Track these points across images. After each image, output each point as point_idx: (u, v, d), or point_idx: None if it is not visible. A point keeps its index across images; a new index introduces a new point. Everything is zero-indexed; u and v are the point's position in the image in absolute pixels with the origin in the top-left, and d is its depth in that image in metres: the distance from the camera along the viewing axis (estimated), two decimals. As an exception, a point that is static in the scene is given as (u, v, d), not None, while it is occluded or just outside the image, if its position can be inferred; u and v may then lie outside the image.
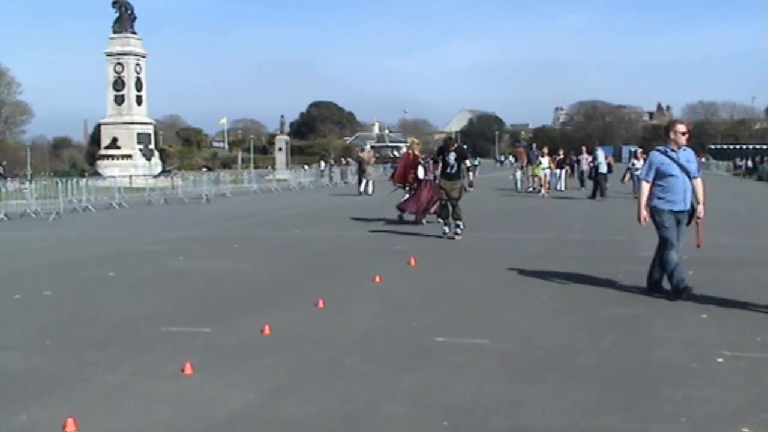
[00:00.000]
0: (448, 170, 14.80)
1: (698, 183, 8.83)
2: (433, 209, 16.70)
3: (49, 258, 13.42)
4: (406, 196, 18.40)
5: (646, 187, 8.83)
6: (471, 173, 15.82)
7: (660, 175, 8.67)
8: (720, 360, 6.21)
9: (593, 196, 27.57)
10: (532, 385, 5.65)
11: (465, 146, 21.03)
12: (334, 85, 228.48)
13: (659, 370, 5.97)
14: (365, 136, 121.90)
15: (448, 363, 6.25)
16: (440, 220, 15.05)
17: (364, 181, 32.04)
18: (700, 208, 8.80)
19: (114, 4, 49.30)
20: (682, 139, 8.80)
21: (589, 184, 29.84)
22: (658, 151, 8.87)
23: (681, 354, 6.42)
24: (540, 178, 29.94)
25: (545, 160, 30.26)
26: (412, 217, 17.68)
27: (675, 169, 8.61)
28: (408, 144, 19.44)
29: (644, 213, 8.86)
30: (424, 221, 17.39)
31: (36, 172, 65.01)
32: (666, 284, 8.81)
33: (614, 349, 6.62)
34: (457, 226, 14.76)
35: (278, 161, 60.46)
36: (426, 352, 6.60)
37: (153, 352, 6.69)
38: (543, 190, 29.41)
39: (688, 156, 8.82)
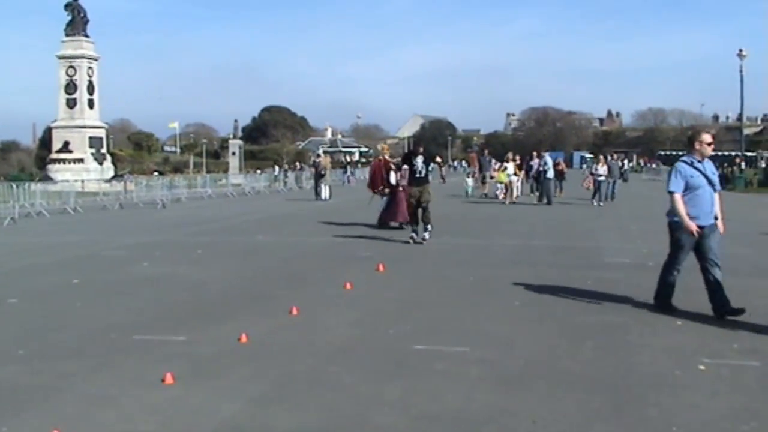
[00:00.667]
0: (417, 175, 14.90)
1: (718, 197, 8.50)
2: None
3: (10, 265, 13.11)
4: (383, 204, 18.33)
5: (679, 198, 8.22)
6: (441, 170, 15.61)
7: (688, 188, 8.22)
8: (702, 367, 6.30)
9: (540, 200, 28.28)
10: (520, 393, 5.67)
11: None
12: (286, 90, 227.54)
13: (643, 377, 6.03)
14: (318, 141, 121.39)
15: (431, 371, 6.25)
16: (407, 226, 15.33)
17: (321, 186, 31.93)
18: (720, 224, 8.50)
19: (66, 6, 48.47)
20: (708, 150, 8.35)
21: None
22: (685, 162, 8.35)
23: (662, 361, 6.50)
24: (504, 185, 29.15)
25: (510, 166, 29.43)
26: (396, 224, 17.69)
27: (703, 182, 8.23)
28: (379, 149, 19.33)
29: (692, 224, 8.18)
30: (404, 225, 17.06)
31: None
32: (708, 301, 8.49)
33: (595, 356, 6.69)
34: (426, 230, 14.92)
35: (232, 166, 59.82)
36: (407, 360, 6.59)
37: (130, 361, 6.57)
38: (502, 196, 28.99)
39: (712, 167, 8.44)
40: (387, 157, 19.09)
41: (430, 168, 15.43)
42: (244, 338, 7.21)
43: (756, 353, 6.70)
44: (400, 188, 16.83)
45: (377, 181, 18.55)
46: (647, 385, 5.83)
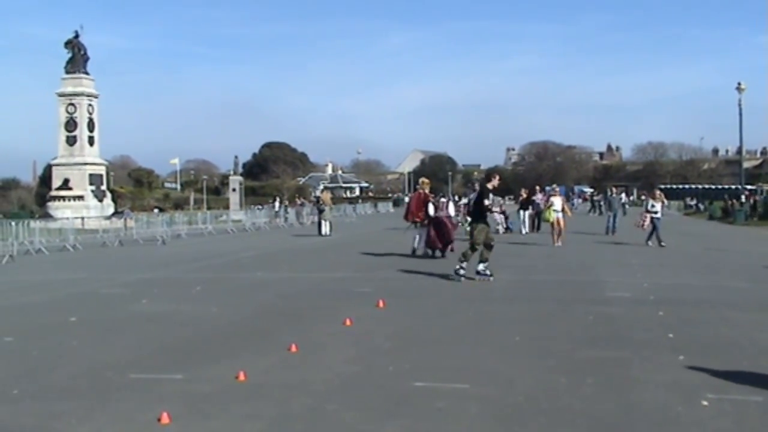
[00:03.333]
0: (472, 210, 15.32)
1: None
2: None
3: (7, 302, 13.03)
4: (417, 236, 20.25)
5: None
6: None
7: None
8: (705, 403, 6.22)
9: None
10: (520, 430, 5.59)
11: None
12: (286, 126, 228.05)
13: (645, 414, 5.95)
14: (318, 176, 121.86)
15: (431, 409, 6.17)
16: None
17: (322, 222, 31.87)
18: None
19: (67, 44, 48.74)
20: None
21: (545, 226, 29.59)
22: None
23: (665, 397, 6.42)
24: (551, 223, 24.20)
25: (558, 201, 24.68)
26: (438, 252, 19.30)
27: None
28: (419, 184, 21.37)
29: None
30: (446, 255, 19.03)
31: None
32: None
33: (596, 392, 6.60)
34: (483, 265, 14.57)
35: (232, 202, 59.90)
36: (407, 398, 6.51)
37: (125, 401, 6.49)
38: (556, 238, 23.81)
39: None
40: (427, 190, 20.31)
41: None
42: (242, 376, 7.13)
43: (759, 388, 6.61)
44: (439, 218, 18.87)
45: (416, 212, 19.87)
46: (649, 423, 5.75)
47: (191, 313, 11.33)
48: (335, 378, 7.24)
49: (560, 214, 24.14)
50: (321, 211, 32.61)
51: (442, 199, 20.11)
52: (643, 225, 23.64)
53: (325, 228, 31.42)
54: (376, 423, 5.85)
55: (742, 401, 6.27)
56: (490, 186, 14.42)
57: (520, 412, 6.06)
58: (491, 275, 14.51)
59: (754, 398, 6.32)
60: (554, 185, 28.38)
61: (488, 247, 14.49)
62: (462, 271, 14.51)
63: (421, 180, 21.73)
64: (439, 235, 19.15)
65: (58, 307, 12.10)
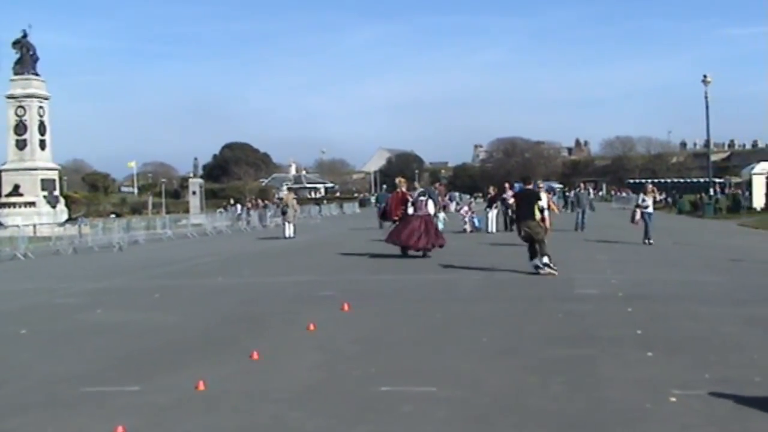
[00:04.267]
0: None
1: None
2: (423, 244, 18.92)
3: (-45, 315, 12.57)
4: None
5: None
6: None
7: None
8: (673, 399, 6.16)
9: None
10: (489, 432, 5.45)
11: (384, 186, 22.24)
12: (248, 126, 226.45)
13: (614, 412, 5.88)
14: (282, 177, 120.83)
15: (398, 413, 6.02)
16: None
17: (287, 225, 31.49)
18: None
19: (14, 44, 47.59)
20: None
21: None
22: None
23: (633, 394, 6.34)
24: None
25: (544, 197, 22.69)
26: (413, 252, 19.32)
27: None
28: (396, 182, 21.93)
29: None
30: (429, 254, 19.09)
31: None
32: None
33: (565, 391, 6.50)
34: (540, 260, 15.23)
35: (192, 205, 59.03)
36: (373, 402, 6.34)
37: (79, 415, 6.23)
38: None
39: None
40: (404, 189, 20.79)
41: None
42: (201, 386, 6.87)
43: (727, 382, 6.57)
44: (418, 217, 19.18)
45: (395, 210, 20.22)
46: (618, 420, 5.69)
47: (149, 322, 11.01)
48: (299, 385, 7.02)
49: (546, 213, 22.93)
50: (284, 213, 32.26)
51: (421, 198, 19.88)
52: (636, 221, 22.80)
53: (289, 230, 31.07)
54: (341, 430, 5.69)
55: (710, 396, 6.21)
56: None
57: (489, 414, 5.95)
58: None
59: (721, 393, 6.26)
60: (540, 182, 26.37)
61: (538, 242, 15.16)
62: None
63: (398, 179, 22.00)
64: (420, 234, 19.05)
65: (9, 319, 11.71)
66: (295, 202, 34.92)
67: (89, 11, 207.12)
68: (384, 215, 21.36)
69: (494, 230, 28.81)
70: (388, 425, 5.75)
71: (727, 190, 51.84)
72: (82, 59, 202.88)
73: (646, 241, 21.93)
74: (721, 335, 8.73)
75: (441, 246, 19.48)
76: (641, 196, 23.51)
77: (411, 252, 19.38)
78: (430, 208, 20.27)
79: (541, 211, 20.07)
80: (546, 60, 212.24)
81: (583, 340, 8.57)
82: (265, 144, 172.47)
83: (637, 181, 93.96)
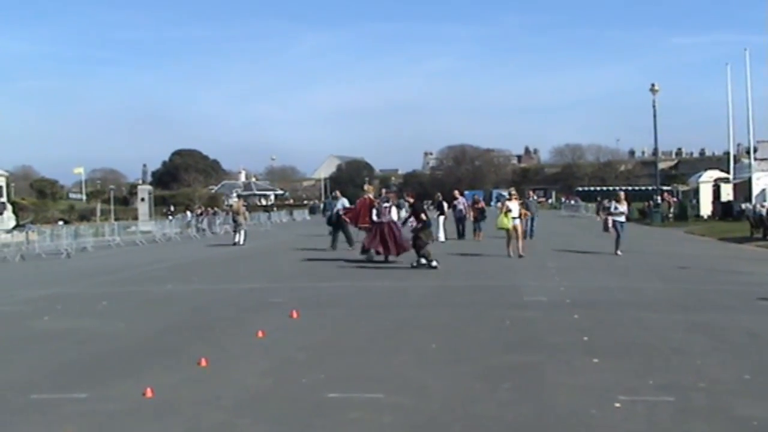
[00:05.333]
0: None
1: None
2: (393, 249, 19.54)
3: None
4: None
5: None
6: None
7: None
8: (617, 405, 6.30)
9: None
10: (436, 439, 5.56)
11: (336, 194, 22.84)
12: (197, 133, 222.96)
13: (560, 418, 6.00)
14: (231, 184, 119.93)
15: (344, 420, 6.09)
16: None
17: (238, 232, 31.35)
18: None
19: (-41, 49, 46.81)
20: None
21: (468, 232, 29.25)
22: None
23: (579, 400, 6.48)
24: (507, 231, 20.85)
25: (515, 207, 21.38)
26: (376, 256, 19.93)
27: None
28: (365, 189, 23.45)
29: None
30: (392, 258, 19.64)
31: None
32: None
33: (512, 397, 6.63)
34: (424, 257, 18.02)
35: (141, 212, 58.36)
36: (320, 409, 6.41)
37: (26, 423, 6.21)
38: (517, 247, 20.64)
39: None
40: (371, 196, 21.81)
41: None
42: (149, 393, 6.89)
43: (671, 388, 6.76)
44: (384, 224, 19.73)
45: (363, 217, 20.90)
46: (563, 426, 5.80)
47: (96, 329, 10.91)
48: (247, 392, 7.07)
49: (518, 221, 21.19)
50: (234, 221, 32.13)
51: (385, 204, 20.51)
52: (609, 230, 22.03)
53: (239, 237, 30.97)
54: (288, 437, 5.73)
55: (654, 402, 6.38)
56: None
57: (435, 420, 6.04)
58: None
59: (665, 398, 6.44)
60: (511, 189, 25.34)
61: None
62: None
63: (366, 186, 22.93)
64: (382, 239, 19.68)
65: (-47, 327, 11.49)
66: (244, 209, 34.79)
67: (35, 16, 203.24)
68: (330, 221, 21.81)
69: (443, 238, 28.52)
70: (334, 431, 5.83)
71: (665, 198, 52.51)
72: (29, 64, 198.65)
73: (618, 252, 21.19)
74: (666, 341, 8.93)
75: (404, 251, 19.81)
76: (613, 203, 22.81)
77: (372, 255, 20.04)
78: (393, 214, 20.73)
79: (513, 219, 20.64)
80: (495, 67, 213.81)
81: (530, 347, 8.73)
82: (214, 151, 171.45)
83: (587, 188, 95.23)
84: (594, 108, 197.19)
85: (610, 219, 22.13)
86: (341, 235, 25.10)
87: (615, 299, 12.61)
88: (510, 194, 23.00)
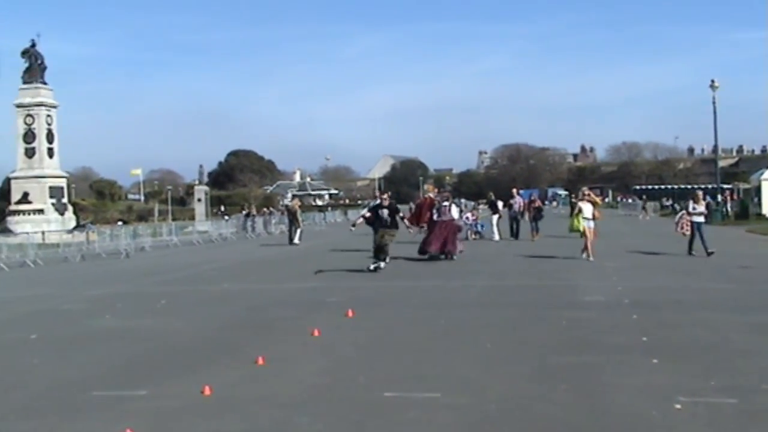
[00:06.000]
0: (383, 223, 18.02)
1: None
2: (451, 247, 20.11)
3: (-36, 321, 12.67)
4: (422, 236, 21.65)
5: None
6: (405, 220, 18.82)
7: None
8: (678, 406, 6.17)
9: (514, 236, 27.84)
10: (494, 440, 5.50)
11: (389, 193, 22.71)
12: (252, 133, 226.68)
13: (619, 419, 5.89)
14: (286, 184, 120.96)
15: (402, 419, 6.06)
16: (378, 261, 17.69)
17: (293, 231, 31.55)
18: None
19: (23, 53, 47.82)
20: None
21: (524, 232, 28.37)
22: None
23: (638, 401, 6.36)
24: (581, 232, 19.57)
25: (588, 208, 19.86)
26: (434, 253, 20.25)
27: None
28: (425, 189, 24.24)
29: None
30: (455, 257, 20.18)
31: (-59, 230, 62.06)
32: None
33: (569, 398, 6.52)
34: (383, 259, 17.87)
35: (198, 212, 59.26)
36: (377, 408, 6.39)
37: (88, 419, 6.31)
38: (588, 252, 19.23)
39: None
40: (432, 196, 22.29)
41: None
42: (207, 391, 6.96)
43: (733, 390, 6.59)
44: (443, 222, 20.28)
45: (423, 216, 21.55)
46: (622, 428, 5.71)
47: (155, 327, 11.09)
48: (304, 390, 7.09)
49: (591, 223, 19.64)
50: (290, 220, 32.36)
51: (445, 203, 20.95)
52: (683, 231, 20.70)
53: (295, 237, 31.16)
54: (346, 436, 5.73)
55: (716, 404, 6.23)
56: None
57: (492, 420, 5.98)
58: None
59: (727, 401, 6.29)
60: (584, 188, 23.18)
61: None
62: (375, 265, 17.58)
63: (426, 186, 23.29)
64: (441, 238, 20.18)
65: (19, 325, 11.80)
66: (299, 208, 35.02)
67: (96, 21, 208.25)
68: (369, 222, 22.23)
69: (497, 237, 28.30)
70: (392, 430, 5.81)
71: (726, 196, 51.11)
72: (89, 68, 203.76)
73: (695, 252, 19.96)
74: (728, 342, 8.72)
75: (458, 252, 20.53)
76: (690, 203, 21.26)
77: (432, 254, 20.32)
78: (454, 213, 21.17)
79: (586, 220, 19.46)
80: (550, 65, 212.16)
81: (587, 347, 8.60)
82: (269, 151, 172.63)
83: (644, 187, 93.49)
84: (652, 105, 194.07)
85: (687, 219, 20.65)
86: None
87: (675, 299, 12.34)
88: (582, 194, 21.25)
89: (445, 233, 20.29)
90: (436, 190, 23.39)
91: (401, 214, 18.99)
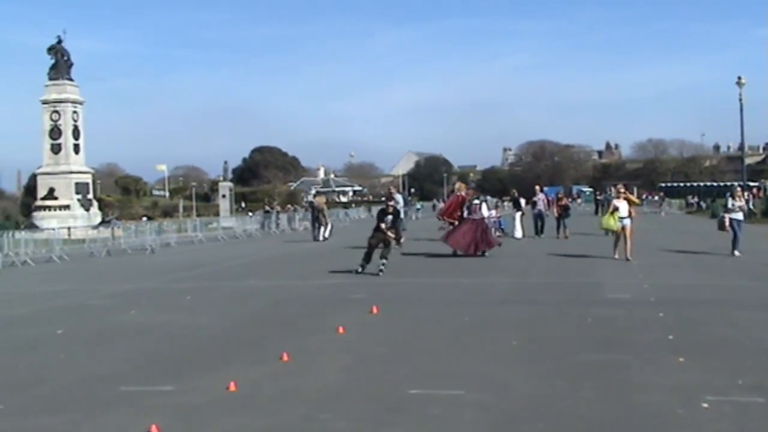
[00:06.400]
0: (384, 228, 16.90)
1: None
2: (482, 245, 20.19)
3: (-8, 315, 12.81)
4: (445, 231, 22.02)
5: None
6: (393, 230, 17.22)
7: None
8: (705, 405, 6.11)
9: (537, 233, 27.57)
10: (518, 438, 5.47)
11: (413, 190, 22.80)
12: (276, 130, 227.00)
13: (645, 418, 5.84)
14: (310, 181, 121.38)
15: (426, 417, 6.04)
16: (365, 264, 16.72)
17: (321, 227, 31.56)
18: None
19: (49, 50, 48.19)
20: None
21: (548, 230, 27.87)
22: None
23: (665, 400, 6.30)
24: (616, 233, 18.55)
25: (623, 205, 18.74)
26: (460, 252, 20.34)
27: None
28: (456, 187, 23.79)
29: None
30: (486, 253, 20.30)
31: (-32, 225, 62.80)
32: None
33: (596, 396, 6.48)
34: (383, 264, 16.47)
35: (222, 208, 59.58)
36: (401, 405, 6.38)
37: (114, 415, 6.34)
38: (624, 250, 18.27)
39: None
40: (464, 194, 22.29)
41: (419, 206, 18.17)
42: (233, 387, 6.98)
43: (761, 389, 6.52)
44: (472, 220, 20.42)
45: (453, 213, 21.73)
46: (649, 426, 5.66)
47: (181, 323, 11.15)
48: (328, 387, 7.09)
49: (628, 222, 18.54)
50: (317, 217, 32.41)
51: (475, 201, 21.14)
52: (726, 228, 19.63)
53: (323, 232, 31.13)
54: (370, 431, 5.72)
55: (743, 403, 6.16)
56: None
57: (517, 418, 5.94)
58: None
59: (755, 399, 6.22)
60: (619, 185, 22.05)
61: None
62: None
63: (458, 184, 23.62)
64: (469, 237, 20.25)
65: (45, 320, 11.90)
66: (325, 205, 35.04)
67: (122, 18, 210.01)
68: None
69: (520, 235, 27.93)
70: (417, 427, 5.79)
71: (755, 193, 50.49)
72: (113, 64, 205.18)
73: (735, 252, 19.06)
74: (756, 341, 8.62)
75: (490, 247, 20.66)
76: (729, 200, 20.22)
77: (459, 252, 20.32)
78: (484, 211, 21.25)
79: (621, 219, 18.41)
80: (574, 62, 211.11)
81: (613, 345, 8.53)
82: (293, 147, 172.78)
83: (670, 184, 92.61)
84: (677, 102, 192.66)
85: (727, 217, 19.64)
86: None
87: (701, 297, 12.23)
88: (618, 192, 19.97)
89: (475, 232, 20.32)
90: (465, 186, 23.45)
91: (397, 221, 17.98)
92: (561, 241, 25.51)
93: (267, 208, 46.95)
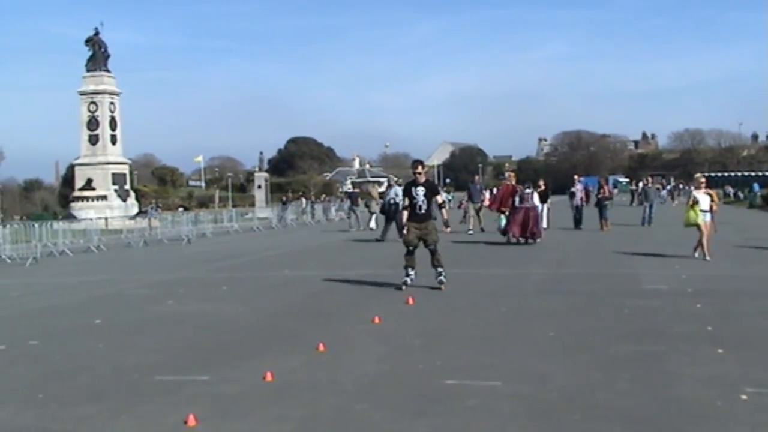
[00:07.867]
0: (417, 210, 12.51)
1: None
2: (535, 229, 20.99)
3: (32, 305, 12.99)
4: (504, 221, 22.39)
5: None
6: (444, 210, 13.43)
7: None
8: (744, 397, 6.00)
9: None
10: (554, 428, 5.42)
11: (448, 180, 22.68)
12: (312, 120, 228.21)
13: (683, 409, 5.75)
14: (345, 171, 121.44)
15: (462, 407, 5.99)
16: (408, 270, 12.74)
17: (371, 217, 31.32)
18: None
19: (87, 42, 48.83)
20: None
21: (589, 221, 27.08)
22: None
23: (703, 391, 6.21)
24: (699, 227, 16.33)
25: (704, 198, 16.74)
26: (513, 239, 21.13)
27: None
28: (506, 177, 24.40)
29: None
30: (537, 240, 21.20)
31: (7, 216, 63.89)
32: None
33: (633, 387, 6.39)
34: (440, 274, 12.53)
35: (258, 199, 59.91)
36: (438, 396, 6.33)
37: (151, 404, 6.37)
38: (703, 247, 16.30)
39: None
40: (514, 182, 22.71)
41: (450, 196, 17.31)
42: (269, 377, 6.98)
43: (802, 381, 6.37)
44: (523, 208, 20.92)
45: (505, 202, 22.06)
46: (687, 418, 5.56)
47: (217, 313, 11.21)
48: (364, 377, 7.08)
49: (708, 217, 16.56)
50: (368, 206, 32.38)
51: (527, 191, 21.49)
52: None
53: (373, 222, 31.01)
54: (406, 422, 5.69)
55: (784, 395, 6.03)
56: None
57: (554, 409, 5.87)
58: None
59: (797, 392, 6.08)
60: (699, 176, 19.04)
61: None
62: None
63: (507, 174, 24.15)
64: (522, 224, 20.87)
65: (83, 310, 12.04)
66: (376, 195, 34.69)
67: (158, 9, 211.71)
68: (383, 210, 23.71)
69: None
70: (453, 418, 5.74)
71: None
72: (150, 55, 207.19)
73: None
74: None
75: (539, 237, 21.36)
76: None
77: (512, 240, 21.17)
78: (536, 200, 21.70)
79: (703, 212, 16.19)
80: (610, 51, 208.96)
81: (650, 336, 8.41)
82: (329, 138, 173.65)
83: (707, 174, 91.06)
84: (715, 91, 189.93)
85: None
86: (392, 225, 24.04)
87: (740, 288, 12.02)
88: (699, 183, 17.50)
89: (526, 219, 20.90)
90: (515, 177, 23.71)
91: (440, 199, 13.21)
92: (600, 233, 25.07)
93: (284, 199, 46.37)
